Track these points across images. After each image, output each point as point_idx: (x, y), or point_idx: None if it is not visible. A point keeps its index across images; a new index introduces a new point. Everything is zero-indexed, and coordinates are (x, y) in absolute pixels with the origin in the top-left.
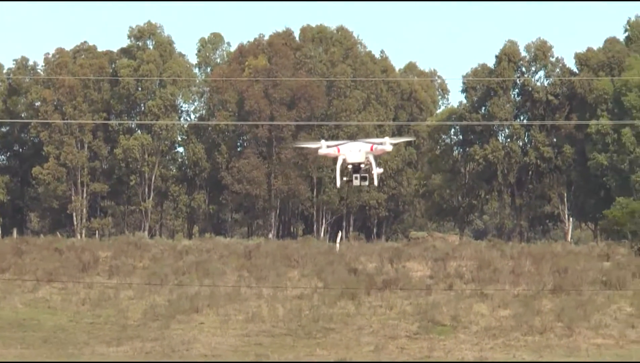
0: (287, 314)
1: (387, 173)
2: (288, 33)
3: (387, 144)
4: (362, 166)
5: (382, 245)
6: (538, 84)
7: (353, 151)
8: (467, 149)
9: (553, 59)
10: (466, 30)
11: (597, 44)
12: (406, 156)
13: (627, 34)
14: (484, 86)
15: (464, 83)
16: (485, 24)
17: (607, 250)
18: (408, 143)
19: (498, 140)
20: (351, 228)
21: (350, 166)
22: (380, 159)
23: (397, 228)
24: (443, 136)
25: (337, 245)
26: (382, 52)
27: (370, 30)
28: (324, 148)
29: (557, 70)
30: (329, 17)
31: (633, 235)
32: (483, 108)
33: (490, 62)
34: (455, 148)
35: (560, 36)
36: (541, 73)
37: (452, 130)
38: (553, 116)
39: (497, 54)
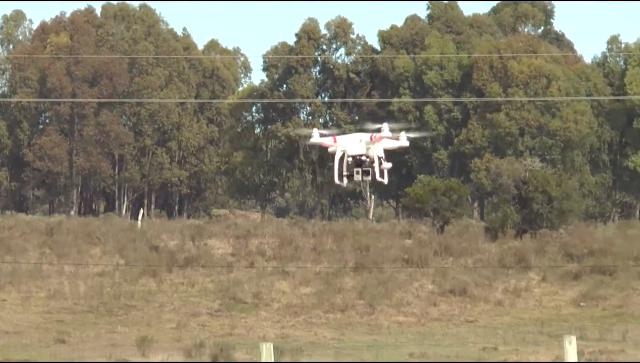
0: (89, 291)
1: (189, 151)
2: (90, 11)
3: (385, 131)
4: (365, 159)
5: (184, 222)
6: (339, 62)
7: (353, 143)
8: (269, 126)
9: (354, 37)
10: (269, 7)
11: (400, 21)
12: (208, 134)
13: (429, 11)
14: (285, 64)
15: (264, 61)
16: (287, 2)
17: (409, 227)
18: (210, 120)
19: (300, 118)
20: (153, 206)
21: (350, 160)
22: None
23: (199, 206)
24: (245, 114)
25: (139, 222)
26: (184, 29)
27: (172, 7)
28: (316, 136)
29: (359, 48)
30: None
31: (435, 212)
32: (284, 86)
33: (291, 40)
34: (256, 125)
35: (364, 13)
36: (342, 51)
37: (254, 108)
38: (355, 94)
39: (297, 32)
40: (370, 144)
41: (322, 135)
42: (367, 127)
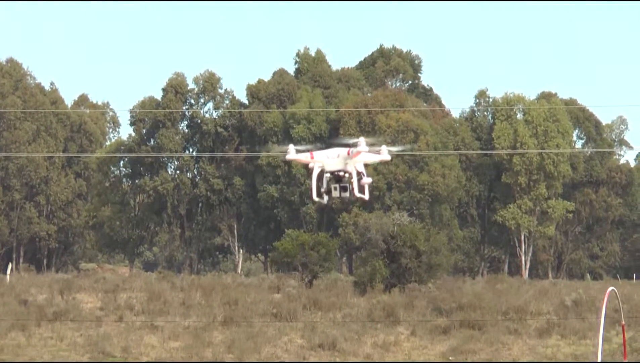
0: None
1: (57, 205)
2: None
3: (362, 145)
4: (343, 174)
5: (53, 276)
6: (207, 116)
7: (331, 158)
8: (137, 181)
9: (222, 91)
10: (138, 61)
11: (269, 76)
12: (76, 188)
13: (297, 65)
14: (152, 118)
15: (132, 115)
16: (155, 56)
17: (278, 281)
18: (78, 175)
19: (167, 172)
20: (21, 260)
21: (328, 175)
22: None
23: (68, 260)
24: (112, 168)
25: (8, 276)
26: (52, 83)
27: (40, 62)
28: (293, 153)
29: (227, 102)
30: None
31: (303, 267)
32: (152, 140)
33: (159, 95)
34: (124, 179)
35: (232, 68)
36: (210, 105)
37: (122, 162)
38: (223, 148)
39: (163, 86)
40: (349, 159)
41: (298, 151)
42: (344, 141)
